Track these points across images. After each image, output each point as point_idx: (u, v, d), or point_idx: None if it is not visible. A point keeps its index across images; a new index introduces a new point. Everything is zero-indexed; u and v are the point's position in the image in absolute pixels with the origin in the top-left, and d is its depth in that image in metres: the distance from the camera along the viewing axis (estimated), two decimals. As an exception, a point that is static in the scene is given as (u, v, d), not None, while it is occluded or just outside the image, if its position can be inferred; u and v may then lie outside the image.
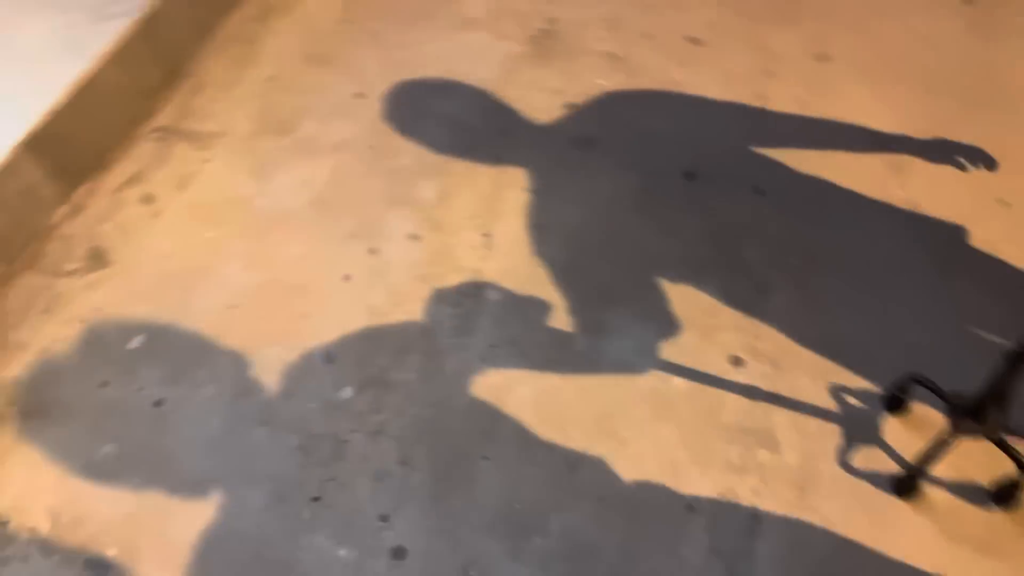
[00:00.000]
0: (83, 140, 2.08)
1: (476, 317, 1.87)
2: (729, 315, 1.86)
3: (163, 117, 2.29)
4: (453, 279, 1.95)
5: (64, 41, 2.10)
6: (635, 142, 2.24)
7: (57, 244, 2.01)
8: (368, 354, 1.80)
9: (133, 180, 2.15)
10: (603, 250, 1.99)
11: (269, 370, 1.77)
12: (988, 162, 2.14)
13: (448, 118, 2.30)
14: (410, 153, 2.22)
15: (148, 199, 2.11)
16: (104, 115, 2.13)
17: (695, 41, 2.49)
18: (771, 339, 1.81)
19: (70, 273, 1.96)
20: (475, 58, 2.45)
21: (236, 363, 1.79)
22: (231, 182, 2.15)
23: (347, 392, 1.75)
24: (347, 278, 1.96)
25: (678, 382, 1.75)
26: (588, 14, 2.56)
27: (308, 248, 2.02)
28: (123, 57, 2.13)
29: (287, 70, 2.42)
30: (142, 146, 2.22)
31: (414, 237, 2.04)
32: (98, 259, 1.98)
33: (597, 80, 2.38)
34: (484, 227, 2.05)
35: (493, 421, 1.69)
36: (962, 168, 2.14)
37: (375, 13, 2.56)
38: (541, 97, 2.35)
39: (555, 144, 2.24)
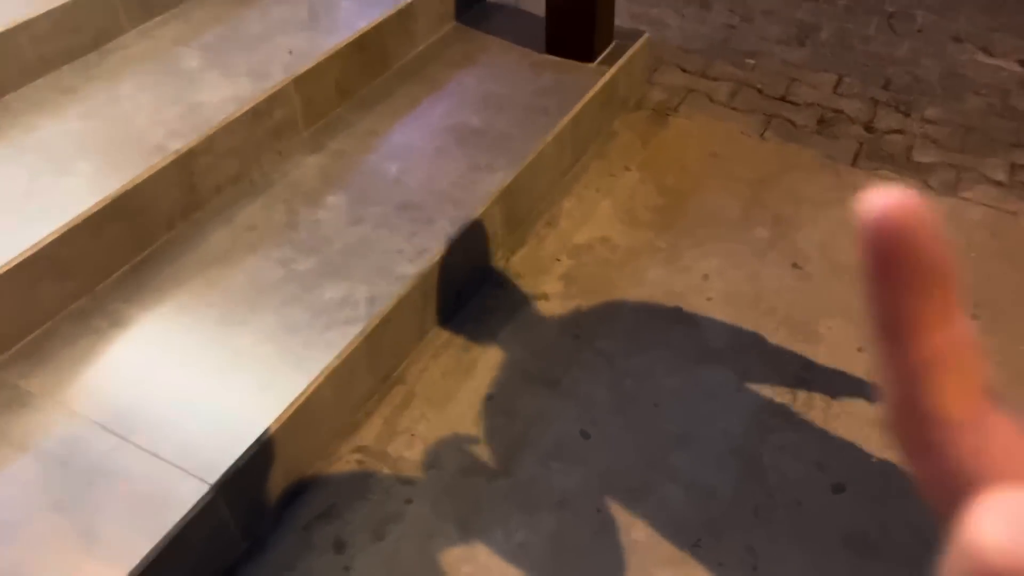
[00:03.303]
0: (281, 467, 1.82)
1: None
2: None
3: (367, 434, 2.03)
4: None
5: (284, 351, 1.90)
6: (925, 555, 1.80)
7: (233, 596, 1.72)
8: None
9: (325, 516, 1.86)
10: None
11: None
12: None
13: (688, 480, 1.94)
14: (642, 528, 1.86)
15: (339, 546, 1.81)
16: (309, 436, 1.89)
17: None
18: None
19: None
20: (718, 403, 2.12)
21: None
22: (435, 536, 1.83)
23: None
24: None
25: None
26: (849, 359, 2.21)
27: (521, 652, 1.64)
28: (341, 370, 1.91)
29: (507, 389, 2.15)
30: (340, 471, 1.95)
31: (651, 656, 1.63)
32: (275, 626, 1.66)
33: (872, 456, 1.99)
34: (739, 655, 1.63)
35: None
36: None
37: (606, 329, 2.30)
38: (800, 469, 1.97)
39: (823, 541, 1.83)
